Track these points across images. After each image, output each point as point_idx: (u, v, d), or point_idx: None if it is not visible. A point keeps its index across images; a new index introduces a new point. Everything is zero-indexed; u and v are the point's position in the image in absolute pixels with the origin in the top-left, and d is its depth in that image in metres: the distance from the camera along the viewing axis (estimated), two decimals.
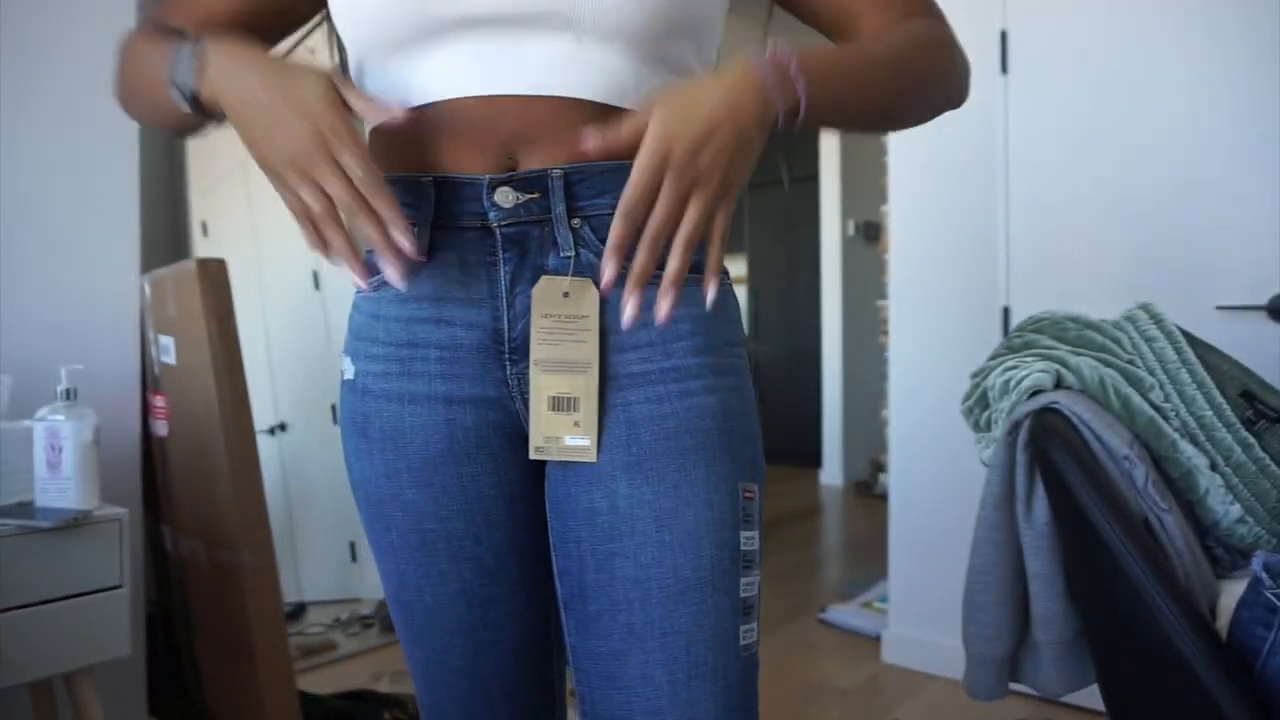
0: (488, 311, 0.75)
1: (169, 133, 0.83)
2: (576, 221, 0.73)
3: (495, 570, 0.79)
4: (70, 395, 1.44)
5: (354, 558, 2.81)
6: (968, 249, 2.27)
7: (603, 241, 0.73)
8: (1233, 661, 0.88)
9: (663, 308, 0.65)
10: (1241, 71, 1.89)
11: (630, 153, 0.65)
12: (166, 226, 2.39)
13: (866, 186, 4.72)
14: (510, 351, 0.75)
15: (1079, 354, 1.13)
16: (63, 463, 1.41)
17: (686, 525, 0.72)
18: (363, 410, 0.79)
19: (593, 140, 0.66)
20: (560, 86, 0.72)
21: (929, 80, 0.79)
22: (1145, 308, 1.17)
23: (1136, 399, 1.06)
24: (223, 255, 1.85)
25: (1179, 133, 1.98)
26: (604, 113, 0.72)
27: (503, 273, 0.74)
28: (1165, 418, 1.07)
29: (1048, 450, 1.03)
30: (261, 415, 2.41)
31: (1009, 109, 2.21)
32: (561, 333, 0.73)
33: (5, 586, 1.33)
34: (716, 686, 0.73)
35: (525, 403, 0.75)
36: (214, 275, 1.77)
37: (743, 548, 0.75)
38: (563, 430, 0.73)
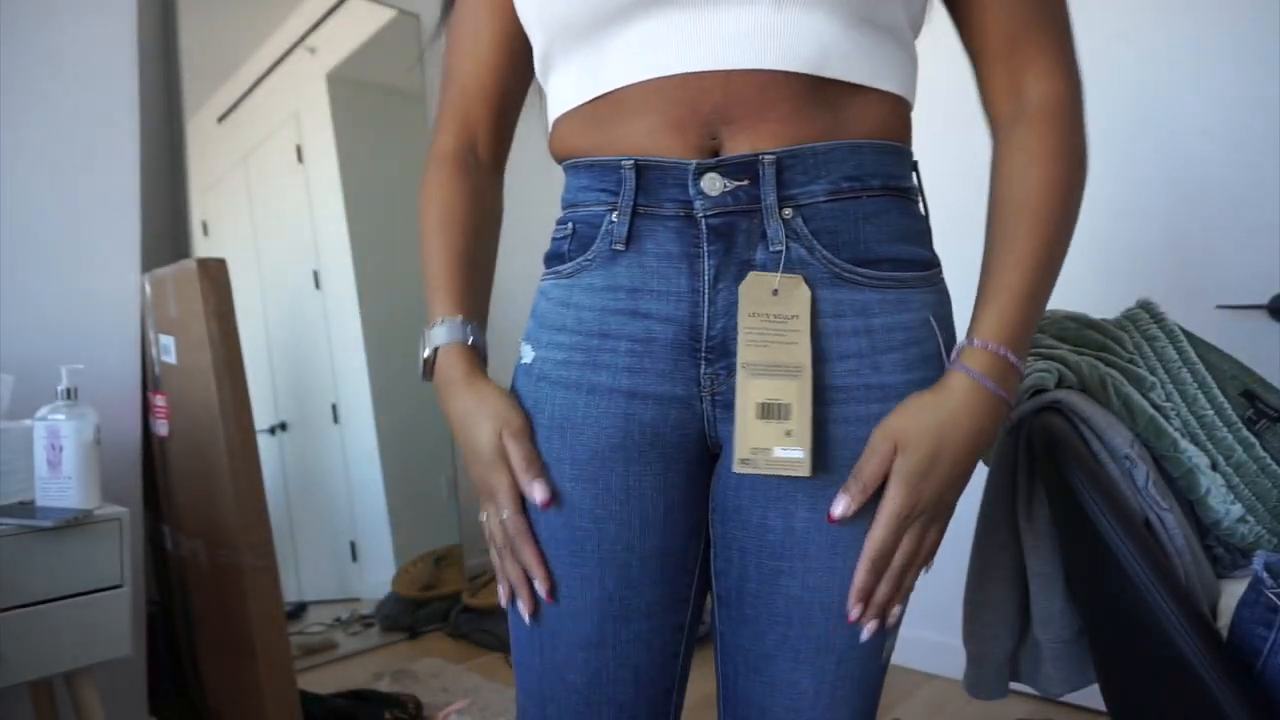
0: (686, 306, 0.70)
1: None
2: (788, 212, 0.68)
3: (639, 582, 0.74)
4: (71, 395, 1.44)
5: (354, 557, 2.81)
6: (968, 249, 2.26)
7: (814, 234, 0.68)
8: (1233, 661, 0.88)
9: (871, 630, 0.71)
10: (1242, 71, 1.89)
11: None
12: (166, 226, 2.39)
13: None
14: (707, 350, 0.70)
15: (1080, 353, 1.13)
16: (63, 462, 1.41)
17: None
18: (534, 396, 0.75)
19: (840, 511, 0.67)
20: (763, 58, 0.66)
21: (1075, 221, 0.74)
22: (1146, 306, 1.17)
23: (1137, 398, 1.06)
24: (223, 255, 1.84)
25: (1180, 132, 1.97)
26: (811, 86, 0.67)
27: (706, 266, 0.69)
28: (1166, 417, 1.06)
29: (1049, 449, 1.03)
30: (261, 415, 2.41)
31: None
32: (771, 333, 0.67)
33: (5, 586, 1.33)
34: (855, 696, 0.73)
35: (715, 404, 0.71)
36: (214, 275, 1.77)
37: None
38: (772, 441, 0.67)
